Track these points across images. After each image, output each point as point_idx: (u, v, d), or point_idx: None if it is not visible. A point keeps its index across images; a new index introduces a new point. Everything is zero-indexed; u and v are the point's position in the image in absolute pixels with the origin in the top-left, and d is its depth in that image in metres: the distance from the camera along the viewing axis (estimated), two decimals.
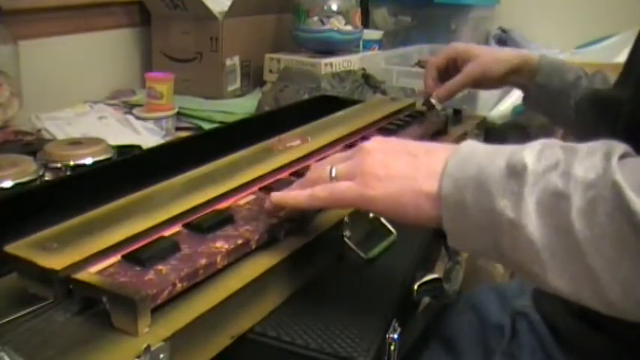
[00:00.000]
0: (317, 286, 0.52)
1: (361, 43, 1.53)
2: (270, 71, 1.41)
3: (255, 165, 0.62)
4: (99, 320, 0.40)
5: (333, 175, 0.47)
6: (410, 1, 1.77)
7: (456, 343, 0.69)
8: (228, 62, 1.35)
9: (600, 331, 0.55)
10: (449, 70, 0.91)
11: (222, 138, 0.87)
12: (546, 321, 0.65)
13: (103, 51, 1.33)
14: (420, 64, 1.46)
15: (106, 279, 0.41)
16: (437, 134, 0.85)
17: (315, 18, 1.38)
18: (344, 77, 1.19)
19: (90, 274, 0.41)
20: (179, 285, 0.42)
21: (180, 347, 0.39)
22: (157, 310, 0.40)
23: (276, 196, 0.50)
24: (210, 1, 1.31)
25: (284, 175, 0.62)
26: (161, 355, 0.38)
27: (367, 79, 1.20)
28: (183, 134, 1.10)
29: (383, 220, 0.60)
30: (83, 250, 0.43)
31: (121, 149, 0.86)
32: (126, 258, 0.44)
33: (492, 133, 1.08)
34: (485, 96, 1.27)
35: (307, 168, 0.55)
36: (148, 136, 1.02)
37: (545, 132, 1.11)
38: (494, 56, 0.88)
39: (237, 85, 1.39)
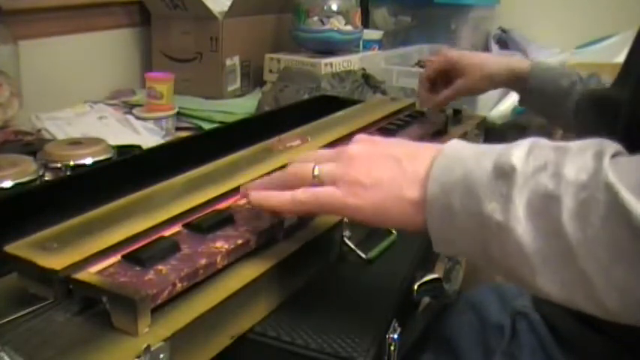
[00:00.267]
0: (317, 286, 0.52)
1: (361, 43, 1.53)
2: (270, 71, 1.41)
3: (255, 165, 0.62)
4: (99, 320, 0.40)
5: (316, 173, 0.46)
6: (410, 1, 1.77)
7: (456, 343, 0.69)
8: (228, 62, 1.35)
9: (600, 331, 0.55)
10: (442, 77, 0.93)
11: (222, 138, 0.87)
12: (546, 321, 0.65)
13: (103, 51, 1.33)
14: (420, 64, 1.46)
15: (106, 279, 0.41)
16: (437, 134, 0.85)
17: (315, 18, 1.38)
18: (344, 77, 1.19)
19: (90, 274, 0.41)
20: (179, 285, 0.42)
21: (180, 347, 0.39)
22: (157, 310, 0.40)
23: (257, 197, 0.48)
24: (210, 1, 1.31)
25: None
26: (161, 355, 0.38)
27: (367, 79, 1.20)
28: (183, 134, 1.10)
29: None
30: (83, 250, 0.43)
31: (121, 149, 0.86)
32: (126, 258, 0.44)
33: (492, 133, 1.08)
34: (485, 96, 1.27)
35: None
36: (148, 136, 1.02)
37: (545, 132, 1.11)
38: (483, 74, 0.89)
39: (237, 85, 1.39)
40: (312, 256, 0.54)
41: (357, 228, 0.58)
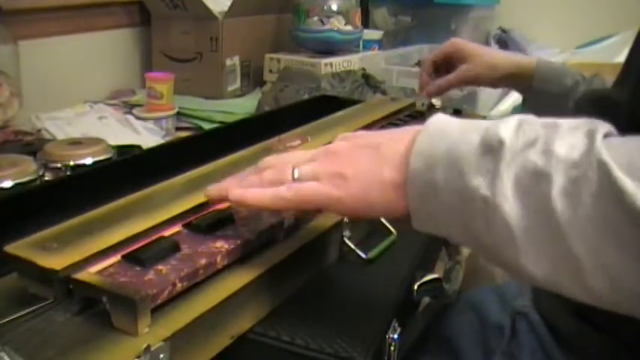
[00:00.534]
0: (317, 286, 0.52)
1: (361, 43, 1.53)
2: (270, 71, 1.41)
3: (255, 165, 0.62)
4: (99, 320, 0.40)
5: (296, 176, 0.45)
6: (410, 1, 1.77)
7: (456, 343, 0.69)
8: (228, 62, 1.35)
9: (600, 331, 0.55)
10: (446, 64, 0.92)
11: (222, 138, 0.87)
12: (546, 321, 0.65)
13: (103, 51, 1.33)
14: (420, 64, 1.46)
15: (106, 279, 0.41)
16: None
17: (315, 18, 1.38)
18: (344, 77, 1.19)
19: (90, 274, 0.41)
20: (179, 285, 0.42)
21: (180, 347, 0.39)
22: (157, 310, 0.40)
23: (236, 193, 0.47)
24: (210, 1, 1.31)
25: None
26: (161, 355, 0.38)
27: (367, 79, 1.20)
28: (183, 134, 1.10)
29: (383, 219, 0.60)
30: (83, 250, 0.43)
31: (121, 149, 0.86)
32: (126, 258, 0.44)
33: None
34: (485, 96, 1.27)
35: None
36: (148, 136, 1.02)
37: None
38: (489, 63, 0.88)
39: (237, 85, 1.39)
40: (312, 256, 0.54)
41: (357, 228, 0.58)
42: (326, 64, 1.34)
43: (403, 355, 0.50)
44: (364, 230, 0.60)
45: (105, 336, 0.38)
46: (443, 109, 0.94)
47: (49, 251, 0.42)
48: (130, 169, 0.72)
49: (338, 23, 1.38)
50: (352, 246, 0.56)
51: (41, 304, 0.41)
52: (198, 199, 0.52)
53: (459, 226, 0.39)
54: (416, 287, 0.56)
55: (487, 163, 0.37)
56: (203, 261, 0.44)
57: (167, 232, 0.48)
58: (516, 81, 0.90)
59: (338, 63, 1.37)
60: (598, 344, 0.56)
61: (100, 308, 0.40)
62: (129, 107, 1.18)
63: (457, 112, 0.96)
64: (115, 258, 0.44)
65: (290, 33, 1.43)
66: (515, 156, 0.36)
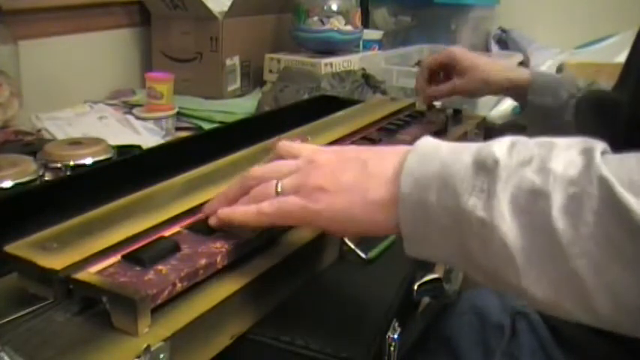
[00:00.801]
0: (317, 286, 0.52)
1: (361, 43, 1.53)
2: (270, 71, 1.41)
3: (254, 165, 0.61)
4: (99, 320, 0.40)
5: (279, 190, 0.45)
6: (410, 1, 1.77)
7: (456, 343, 0.69)
8: (228, 62, 1.35)
9: (600, 331, 0.55)
10: (442, 72, 0.93)
11: (222, 138, 0.87)
12: (546, 321, 0.65)
13: (103, 51, 1.33)
14: (420, 64, 1.46)
15: (106, 279, 0.41)
16: (437, 134, 0.85)
17: (315, 18, 1.38)
18: (344, 77, 1.19)
19: (90, 274, 0.41)
20: (179, 285, 0.42)
21: (180, 347, 0.39)
22: (157, 310, 0.40)
23: (224, 213, 0.47)
24: (210, 1, 1.31)
25: None
26: (161, 355, 0.38)
27: (367, 79, 1.20)
28: (183, 134, 1.10)
29: None
30: (83, 250, 0.43)
31: (121, 149, 0.86)
32: (126, 258, 0.44)
33: (492, 133, 1.08)
34: (485, 96, 1.27)
35: None
36: (148, 136, 1.02)
37: None
38: (482, 78, 0.89)
39: (237, 85, 1.39)
40: (312, 256, 0.54)
41: None
42: (326, 64, 1.34)
43: (403, 355, 0.50)
44: None
45: (105, 336, 0.38)
46: (443, 110, 0.94)
47: (49, 251, 0.42)
48: (130, 169, 0.72)
49: (338, 23, 1.38)
50: (352, 246, 0.56)
51: (41, 304, 0.41)
52: (198, 199, 0.52)
53: (454, 248, 0.38)
54: (416, 287, 0.56)
55: (482, 183, 0.36)
56: (203, 261, 0.44)
57: (167, 232, 0.48)
58: (511, 95, 0.91)
59: (338, 63, 1.37)
60: (598, 344, 0.56)
61: (100, 308, 0.40)
62: (129, 107, 1.18)
63: (457, 112, 0.96)
64: (115, 258, 0.44)
65: (290, 33, 1.43)
66: (511, 175, 0.35)
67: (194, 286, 0.43)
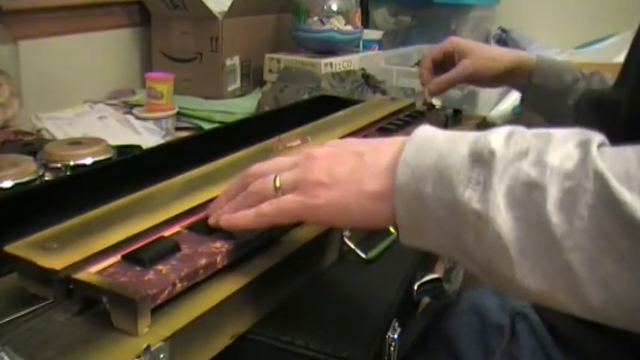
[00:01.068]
0: (317, 286, 0.52)
1: (361, 43, 1.53)
2: (270, 71, 1.41)
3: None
4: (99, 320, 0.40)
5: (277, 185, 0.45)
6: (410, 1, 1.77)
7: (456, 343, 0.69)
8: (228, 62, 1.35)
9: (599, 331, 0.55)
10: (445, 63, 0.93)
11: (222, 138, 0.87)
12: (546, 321, 0.65)
13: (103, 51, 1.33)
14: (421, 60, 1.46)
15: (106, 279, 0.41)
16: None
17: (315, 18, 1.37)
18: (344, 77, 1.19)
19: (90, 274, 0.41)
20: (179, 285, 0.42)
21: (180, 347, 0.39)
22: (157, 310, 0.40)
23: (225, 219, 0.47)
24: (210, 1, 1.31)
25: None
26: (161, 355, 0.38)
27: (367, 79, 1.20)
28: (183, 134, 1.10)
29: None
30: (83, 250, 0.43)
31: (121, 149, 0.86)
32: (126, 258, 0.44)
33: None
34: (485, 96, 1.27)
35: None
36: (148, 136, 1.02)
37: None
38: (489, 56, 0.89)
39: (237, 85, 1.39)
40: (312, 256, 0.54)
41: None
42: (326, 64, 1.34)
43: (403, 355, 0.50)
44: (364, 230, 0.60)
45: (105, 336, 0.38)
46: (443, 109, 0.94)
47: (49, 251, 0.42)
48: (130, 169, 0.72)
49: (338, 23, 1.38)
50: (352, 246, 0.56)
51: (41, 304, 0.41)
52: (198, 199, 0.52)
53: (449, 239, 0.38)
54: (416, 287, 0.56)
55: (478, 175, 0.36)
56: (203, 261, 0.44)
57: (167, 232, 0.48)
58: (516, 75, 0.89)
59: (338, 63, 1.37)
60: (598, 344, 0.56)
61: (100, 308, 0.40)
62: (129, 107, 1.18)
63: (457, 112, 0.96)
64: (115, 258, 0.44)
65: (290, 33, 1.43)
66: (507, 167, 0.35)
67: (194, 286, 0.43)
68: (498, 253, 0.35)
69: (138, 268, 0.42)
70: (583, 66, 1.34)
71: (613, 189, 0.32)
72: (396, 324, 0.49)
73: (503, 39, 1.84)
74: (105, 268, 0.42)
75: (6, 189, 0.68)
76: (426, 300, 0.61)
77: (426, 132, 0.41)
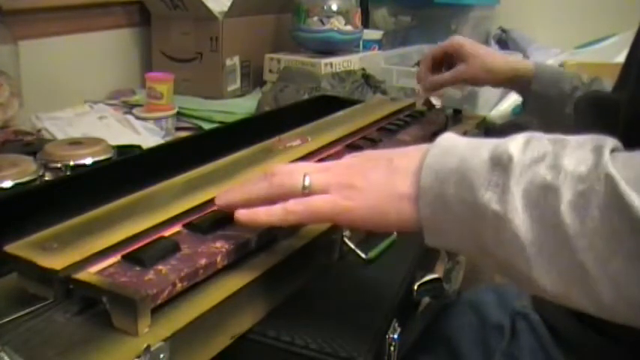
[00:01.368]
0: (317, 286, 0.52)
1: (361, 43, 1.53)
2: (270, 71, 1.41)
3: (255, 165, 0.62)
4: (99, 320, 0.40)
5: (307, 184, 0.45)
6: (410, 1, 1.77)
7: (456, 343, 0.69)
8: (228, 62, 1.35)
9: (600, 331, 0.55)
10: (445, 62, 0.93)
11: (222, 138, 0.87)
12: (546, 321, 0.65)
13: (103, 51, 1.33)
14: (423, 57, 1.46)
15: (106, 279, 0.41)
16: (437, 134, 0.85)
17: (315, 18, 1.37)
18: (344, 77, 1.19)
19: (90, 274, 0.41)
20: (179, 285, 0.42)
21: (180, 347, 0.39)
22: (157, 310, 0.40)
23: (245, 214, 0.46)
24: (211, 1, 1.31)
25: None
26: (161, 355, 0.38)
27: (367, 79, 1.20)
28: (183, 134, 1.10)
29: None
30: (83, 250, 0.43)
31: (121, 149, 0.86)
32: (126, 258, 0.44)
33: (492, 133, 1.08)
34: (485, 96, 1.27)
35: None
36: (148, 136, 1.02)
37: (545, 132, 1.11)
38: (486, 66, 0.89)
39: (237, 85, 1.39)
40: (312, 256, 0.54)
41: None
42: (326, 64, 1.34)
43: (403, 355, 0.51)
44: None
45: (105, 336, 0.38)
46: (443, 110, 0.94)
47: (49, 251, 0.42)
48: (130, 169, 0.72)
49: (338, 23, 1.38)
50: (352, 246, 0.56)
51: (41, 304, 0.41)
52: (198, 199, 0.52)
53: (470, 239, 0.39)
54: (416, 287, 0.56)
55: (497, 178, 0.38)
56: (203, 261, 0.44)
57: (167, 232, 0.48)
58: (515, 84, 0.91)
59: (338, 63, 1.37)
60: (598, 344, 0.56)
61: (100, 308, 0.40)
62: (129, 107, 1.18)
63: (457, 112, 0.96)
64: (115, 258, 0.44)
65: (290, 33, 1.43)
66: (524, 171, 0.37)
67: (194, 286, 0.43)
68: (516, 252, 0.37)
69: (138, 268, 0.42)
70: (583, 66, 1.34)
71: (623, 192, 0.33)
72: (396, 324, 0.49)
73: (503, 39, 1.84)
74: (105, 268, 0.42)
75: (6, 189, 0.68)
76: (426, 300, 0.61)
77: (449, 138, 0.43)
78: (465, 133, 0.89)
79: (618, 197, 0.33)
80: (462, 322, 0.71)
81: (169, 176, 0.58)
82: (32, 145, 0.89)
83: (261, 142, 0.70)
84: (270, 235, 0.50)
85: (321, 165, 0.48)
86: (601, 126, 0.60)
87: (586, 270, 0.35)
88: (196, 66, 1.35)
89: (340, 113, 0.85)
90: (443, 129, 0.87)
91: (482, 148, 0.40)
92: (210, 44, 1.32)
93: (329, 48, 1.41)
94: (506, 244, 0.37)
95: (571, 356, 0.61)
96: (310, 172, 0.46)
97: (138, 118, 1.09)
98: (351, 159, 0.47)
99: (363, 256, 0.56)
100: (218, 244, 0.46)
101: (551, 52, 1.68)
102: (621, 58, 0.68)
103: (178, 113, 1.15)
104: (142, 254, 0.44)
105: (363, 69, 1.27)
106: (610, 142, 0.37)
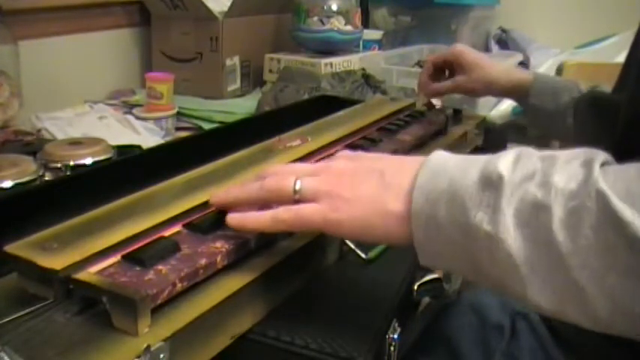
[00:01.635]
0: (317, 286, 0.52)
1: (361, 43, 1.53)
2: (270, 71, 1.41)
3: (255, 165, 0.62)
4: (99, 320, 0.40)
5: (297, 188, 0.45)
6: (410, 1, 1.77)
7: (456, 343, 0.69)
8: (228, 62, 1.35)
9: (599, 331, 0.55)
10: (446, 70, 0.93)
11: (222, 138, 0.87)
12: (545, 321, 0.65)
13: (103, 51, 1.33)
14: (420, 64, 1.47)
15: (106, 279, 0.41)
16: (437, 134, 0.85)
17: (315, 18, 1.38)
18: (344, 77, 1.19)
19: (90, 274, 0.41)
20: (179, 285, 0.42)
21: (180, 347, 0.39)
22: (157, 310, 0.40)
23: (235, 219, 0.46)
24: (211, 1, 1.31)
25: None
26: (161, 355, 0.38)
27: (367, 79, 1.20)
28: (183, 134, 1.10)
29: None
30: (83, 250, 0.43)
31: (121, 149, 0.86)
32: (126, 258, 0.44)
33: (492, 133, 1.08)
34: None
35: None
36: (148, 136, 1.02)
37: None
38: (486, 78, 0.89)
39: (237, 85, 1.39)
40: (312, 257, 0.54)
41: None
42: (326, 64, 1.34)
43: (403, 355, 0.51)
44: None
45: (105, 336, 0.38)
46: (443, 110, 0.94)
47: (49, 251, 0.42)
48: (130, 169, 0.72)
49: (338, 23, 1.38)
50: (352, 246, 0.56)
51: (41, 304, 0.41)
52: (198, 199, 0.52)
53: (464, 260, 0.39)
54: (416, 287, 0.56)
55: (488, 198, 0.37)
56: (203, 261, 0.44)
57: (167, 232, 0.48)
58: (513, 95, 0.92)
59: (338, 63, 1.37)
60: (598, 344, 0.56)
61: (100, 308, 0.40)
62: (129, 107, 1.18)
63: (457, 112, 0.96)
64: (115, 258, 0.44)
65: (290, 33, 1.43)
66: (514, 190, 0.37)
67: (194, 286, 0.43)
68: (510, 272, 0.37)
69: (138, 268, 0.42)
70: (583, 66, 1.34)
71: (615, 207, 0.33)
72: (396, 324, 0.49)
73: (503, 39, 1.84)
74: (105, 268, 0.42)
75: (6, 189, 0.68)
76: (426, 300, 0.61)
77: (439, 158, 0.42)
78: (464, 134, 0.89)
79: (610, 213, 0.33)
80: (462, 322, 0.71)
81: (169, 176, 0.58)
82: (32, 145, 0.89)
83: (261, 142, 0.70)
84: (270, 235, 0.50)
85: (314, 167, 0.47)
86: (601, 126, 0.60)
87: (581, 287, 0.34)
88: (196, 66, 1.35)
89: (340, 113, 0.85)
90: (443, 129, 0.87)
91: (472, 167, 0.39)
92: (210, 44, 1.32)
93: (329, 48, 1.41)
94: (500, 264, 0.37)
95: (571, 356, 0.61)
96: (302, 176, 0.46)
97: (138, 118, 1.09)
98: (344, 163, 0.46)
99: (363, 256, 0.56)
100: (218, 244, 0.46)
101: (551, 52, 1.68)
102: (621, 58, 0.68)
103: (178, 113, 1.15)
104: (142, 254, 0.44)
105: (363, 69, 1.27)
106: (601, 155, 0.37)
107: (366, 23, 1.66)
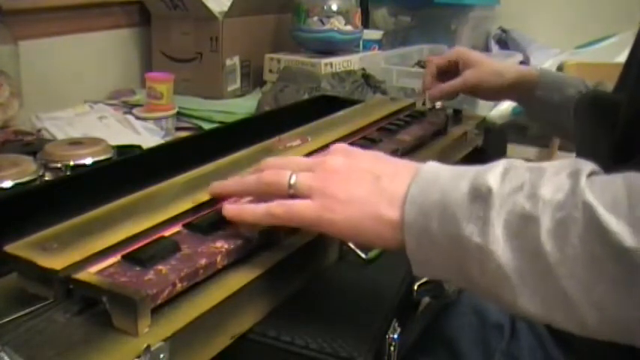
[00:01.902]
0: (317, 286, 0.52)
1: (361, 43, 1.53)
2: (270, 71, 1.41)
3: (255, 165, 0.61)
4: (99, 320, 0.40)
5: (292, 182, 0.45)
6: (410, 1, 1.77)
7: (456, 343, 0.69)
8: (228, 62, 1.35)
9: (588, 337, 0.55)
10: (449, 71, 0.93)
11: (222, 138, 0.87)
12: None
13: (103, 51, 1.33)
14: (420, 64, 1.46)
15: (106, 279, 0.41)
16: (437, 134, 0.85)
17: (315, 18, 1.38)
18: (344, 77, 1.19)
19: (90, 274, 0.41)
20: (179, 285, 0.42)
21: (180, 347, 0.39)
22: (157, 310, 0.40)
23: (232, 210, 0.48)
24: (211, 1, 1.31)
25: None
26: (161, 355, 0.38)
27: (367, 79, 1.20)
28: (183, 134, 1.10)
29: None
30: (83, 250, 0.43)
31: (121, 149, 0.86)
32: (126, 258, 0.44)
33: (492, 133, 1.08)
34: None
35: None
36: (148, 136, 1.02)
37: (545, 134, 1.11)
38: (494, 69, 0.90)
39: (237, 85, 1.39)
40: (312, 256, 0.54)
41: None
42: (326, 64, 1.34)
43: (403, 355, 0.50)
44: None
45: (105, 336, 0.38)
46: (443, 110, 0.94)
47: (49, 251, 0.42)
48: (130, 169, 0.72)
49: (338, 23, 1.38)
50: (352, 246, 0.56)
51: (41, 304, 0.41)
52: (198, 199, 0.52)
53: (456, 270, 0.40)
54: (416, 287, 0.56)
55: (477, 211, 0.38)
56: (203, 261, 0.44)
57: (167, 232, 0.48)
58: (520, 89, 0.91)
59: (338, 63, 1.37)
60: (597, 344, 0.56)
61: (100, 308, 0.40)
62: (129, 107, 1.18)
63: (457, 112, 0.96)
64: (115, 258, 0.44)
65: (290, 33, 1.43)
66: (503, 202, 0.38)
67: (194, 286, 0.43)
68: (501, 282, 0.38)
69: (138, 268, 0.42)
70: (583, 66, 1.34)
71: (601, 218, 0.34)
72: (396, 324, 0.49)
73: (503, 39, 1.84)
74: (105, 268, 0.42)
75: (6, 189, 0.68)
76: (426, 300, 0.61)
77: (430, 169, 0.43)
78: (464, 134, 0.89)
79: (597, 223, 0.34)
80: (462, 322, 0.71)
81: (169, 176, 0.58)
82: (32, 145, 0.89)
83: (261, 142, 0.70)
84: (270, 235, 0.50)
85: (310, 162, 0.48)
86: (601, 126, 0.60)
87: (569, 296, 0.35)
88: (196, 66, 1.35)
89: (340, 113, 0.85)
90: (443, 129, 0.87)
91: (462, 180, 0.40)
92: (210, 44, 1.32)
93: (329, 48, 1.41)
94: (491, 275, 0.38)
95: (571, 356, 0.61)
96: (297, 171, 0.46)
97: (138, 118, 1.09)
98: (340, 161, 0.46)
99: (363, 256, 0.56)
100: (218, 244, 0.46)
101: (551, 52, 1.68)
102: (621, 58, 0.68)
103: (178, 113, 1.15)
104: (142, 254, 0.44)
105: (363, 69, 1.27)
106: (588, 166, 0.38)
107: (366, 23, 1.66)
